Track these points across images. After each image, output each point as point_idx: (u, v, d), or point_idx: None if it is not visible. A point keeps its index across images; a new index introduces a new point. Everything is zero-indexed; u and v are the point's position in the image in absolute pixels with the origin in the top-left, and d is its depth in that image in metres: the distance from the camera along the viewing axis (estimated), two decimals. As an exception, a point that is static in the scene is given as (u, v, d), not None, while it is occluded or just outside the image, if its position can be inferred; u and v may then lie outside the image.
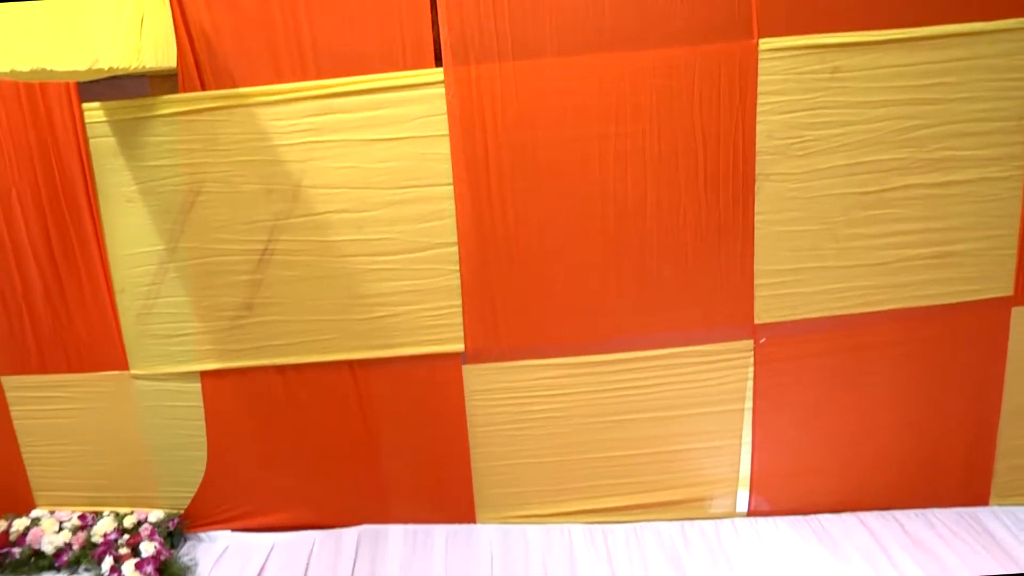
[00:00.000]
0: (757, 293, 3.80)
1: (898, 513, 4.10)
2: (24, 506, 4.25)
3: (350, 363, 3.92)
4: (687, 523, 4.08)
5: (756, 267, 3.77)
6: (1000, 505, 4.17)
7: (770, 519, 4.09)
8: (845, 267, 3.78)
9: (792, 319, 3.84)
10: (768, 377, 3.91)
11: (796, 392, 3.95)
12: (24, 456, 4.22)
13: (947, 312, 3.88)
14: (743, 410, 3.96)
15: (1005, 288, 3.89)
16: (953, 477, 4.15)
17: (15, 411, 4.15)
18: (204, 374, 3.98)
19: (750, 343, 3.87)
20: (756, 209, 3.71)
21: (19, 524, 4.10)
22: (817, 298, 3.81)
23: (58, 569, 3.97)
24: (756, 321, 3.83)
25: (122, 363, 4.01)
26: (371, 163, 3.66)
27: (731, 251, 3.75)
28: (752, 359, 3.89)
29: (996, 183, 3.74)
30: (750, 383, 3.93)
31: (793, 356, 3.89)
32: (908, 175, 3.69)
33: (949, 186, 3.72)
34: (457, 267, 3.77)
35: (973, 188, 3.73)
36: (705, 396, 3.94)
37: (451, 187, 3.67)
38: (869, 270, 3.80)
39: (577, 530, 4.05)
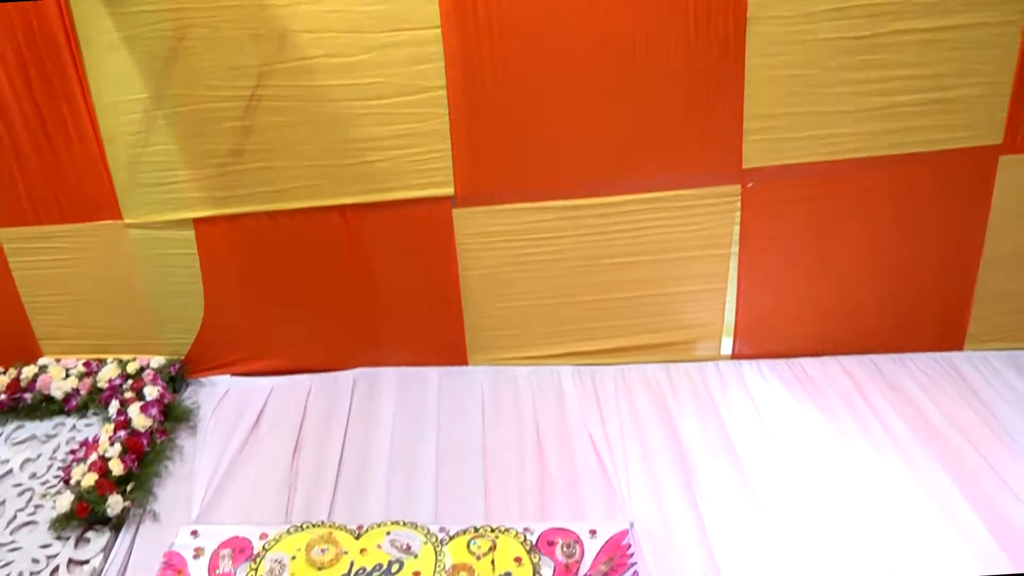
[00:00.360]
0: (746, 138, 3.80)
1: (876, 357, 4.24)
2: (31, 355, 4.39)
3: (341, 208, 3.95)
4: (672, 365, 4.22)
5: (745, 111, 3.75)
6: (974, 351, 4.30)
7: (753, 362, 4.23)
8: (834, 112, 3.76)
9: (780, 164, 3.85)
10: (755, 222, 3.96)
11: (781, 238, 4.02)
12: (26, 306, 4.32)
13: (935, 159, 3.88)
14: (729, 255, 4.04)
15: (994, 136, 3.87)
16: (931, 323, 4.27)
17: (13, 263, 4.22)
18: (197, 221, 4.01)
19: (738, 188, 3.90)
20: (747, 53, 3.65)
21: (28, 371, 4.25)
22: (805, 143, 3.81)
23: (68, 413, 4.13)
24: (744, 166, 3.85)
25: (115, 212, 4.04)
26: (358, 6, 3.58)
27: (721, 95, 3.73)
28: (739, 204, 3.93)
29: (992, 28, 3.67)
30: (737, 228, 3.98)
31: (780, 201, 3.93)
32: (901, 19, 3.62)
33: (943, 31, 3.65)
34: (446, 110, 3.75)
35: (968, 33, 3.66)
36: (693, 240, 4.00)
37: (439, 30, 3.61)
38: (859, 116, 3.78)
39: (566, 371, 4.20)
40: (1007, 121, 3.84)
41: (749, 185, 3.89)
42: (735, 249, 4.02)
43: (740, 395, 4.02)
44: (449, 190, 3.90)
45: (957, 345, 4.31)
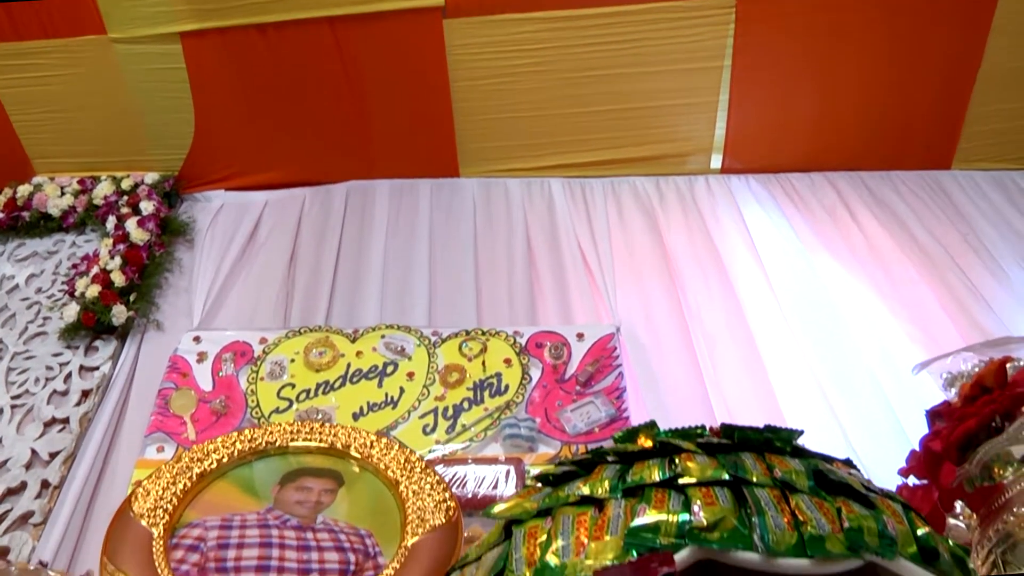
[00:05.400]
0: (743, -55, 3.68)
1: (864, 174, 4.25)
2: (24, 174, 4.37)
3: (331, 20, 3.84)
4: (662, 178, 4.21)
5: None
6: (961, 170, 4.31)
7: (742, 177, 4.23)
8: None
9: (777, -26, 3.74)
10: (748, 35, 3.87)
11: (775, 51, 3.94)
12: (16, 126, 4.26)
13: (940, -28, 3.79)
14: (722, 68, 3.97)
15: (1005, -52, 3.75)
16: (921, 141, 4.26)
17: (-2, 81, 4.16)
18: (184, 36, 3.92)
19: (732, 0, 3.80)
20: None
21: (23, 190, 4.25)
22: (804, -48, 3.71)
23: (66, 230, 4.17)
24: (740, -25, 3.74)
25: (99, 27, 3.93)
26: None
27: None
28: (733, 16, 3.83)
29: None
30: (730, 40, 3.89)
31: (775, 15, 3.83)
32: None
33: None
34: (435, -86, 3.61)
35: None
36: (685, 53, 3.92)
37: None
38: (860, -78, 3.66)
39: (556, 183, 4.19)
40: (1019, -69, 3.71)
41: (744, -5, 3.80)
42: (727, 63, 3.95)
43: (728, 209, 4.06)
44: (439, 0, 3.80)
45: (945, 164, 4.32)
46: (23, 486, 3.05)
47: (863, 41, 3.95)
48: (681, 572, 0.99)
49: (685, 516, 1.06)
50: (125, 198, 4.13)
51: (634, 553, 1.02)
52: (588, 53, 3.92)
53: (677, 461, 1.15)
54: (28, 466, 3.12)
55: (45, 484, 3.04)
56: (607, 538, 1.06)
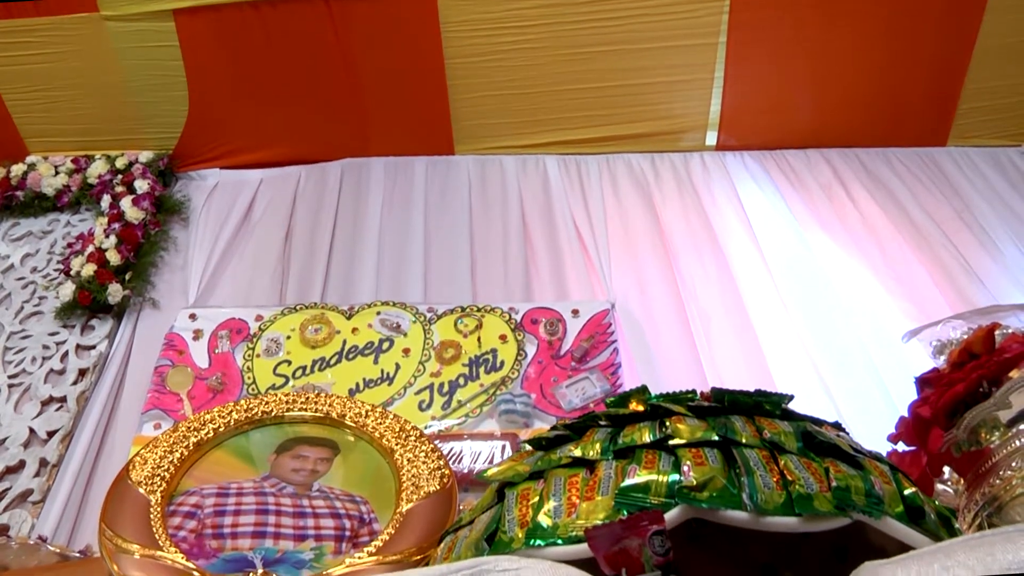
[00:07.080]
0: (738, -81, 3.67)
1: (860, 151, 4.26)
2: (18, 153, 4.34)
3: (325, -4, 3.86)
4: (657, 155, 4.21)
5: None
6: (956, 147, 4.32)
7: (737, 154, 4.24)
8: None
9: (773, -51, 3.74)
10: (744, 11, 3.86)
11: (771, 28, 3.93)
12: (8, 105, 4.23)
13: (935, -54, 3.78)
14: (717, 45, 3.95)
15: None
16: (917, 119, 4.27)
17: (-10, 59, 4.14)
18: (177, 13, 3.90)
19: (727, -26, 3.79)
20: None
21: (16, 170, 4.23)
22: (800, -74, 3.69)
23: (61, 209, 4.16)
24: (735, -49, 3.73)
25: (91, 5, 3.91)
26: None
27: None
28: (729, -8, 3.83)
29: None
30: (726, 16, 3.88)
31: (770, -10, 3.84)
32: None
33: None
34: None
35: None
36: (680, 29, 3.91)
37: None
38: None
39: (552, 161, 4.19)
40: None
41: (739, -29, 3.78)
42: (723, 39, 3.94)
43: (723, 186, 4.06)
44: (434, -23, 3.79)
45: (940, 141, 4.32)
46: (21, 465, 3.07)
47: (859, 17, 3.93)
48: (671, 531, 1.00)
49: (675, 476, 1.07)
50: (119, 177, 4.12)
51: (624, 512, 1.04)
52: (583, 30, 3.90)
53: (667, 424, 1.17)
54: (26, 445, 3.13)
55: (43, 462, 3.06)
56: (598, 498, 1.07)
